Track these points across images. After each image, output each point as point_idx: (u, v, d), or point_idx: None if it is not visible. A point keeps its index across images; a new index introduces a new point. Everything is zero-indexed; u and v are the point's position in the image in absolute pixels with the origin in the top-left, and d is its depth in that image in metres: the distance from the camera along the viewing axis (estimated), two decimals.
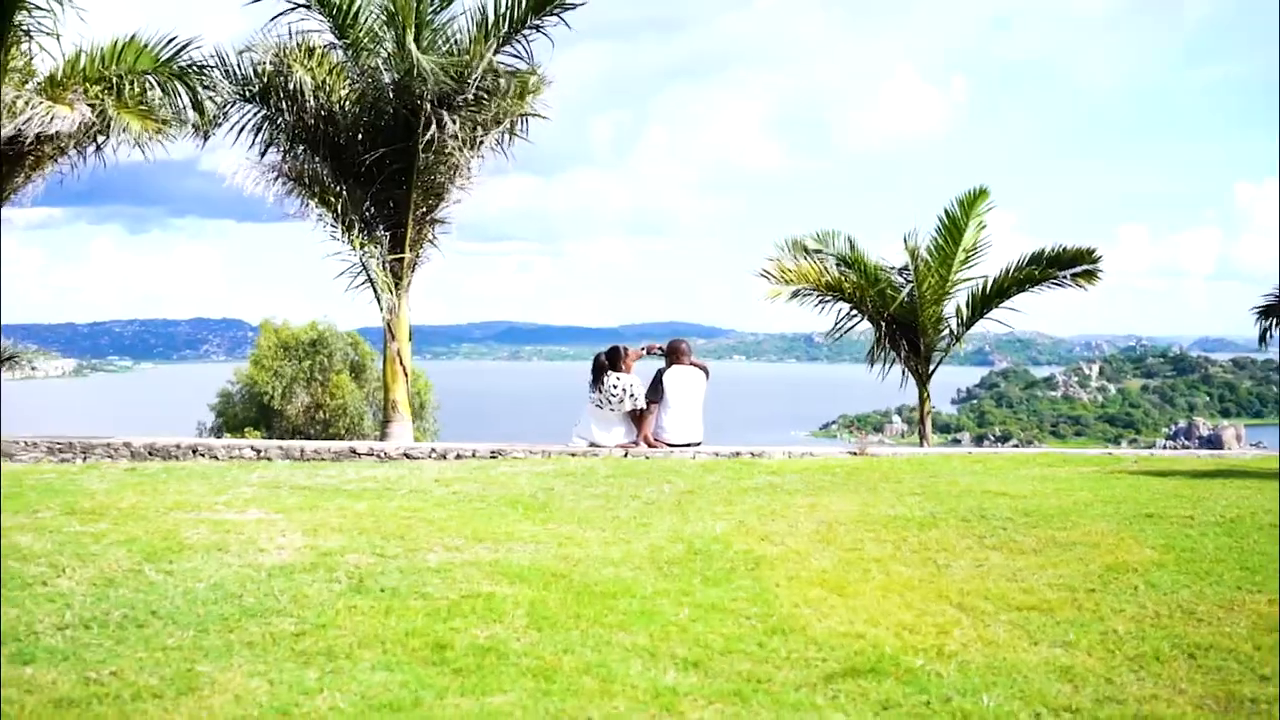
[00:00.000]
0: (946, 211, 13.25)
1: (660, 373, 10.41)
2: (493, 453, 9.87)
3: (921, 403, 13.69)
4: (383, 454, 9.94)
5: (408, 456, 9.91)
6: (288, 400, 37.22)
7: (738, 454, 9.77)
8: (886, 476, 8.14)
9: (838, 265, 13.41)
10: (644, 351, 10.68)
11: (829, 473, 8.40)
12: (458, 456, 9.87)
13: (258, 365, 36.87)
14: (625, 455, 9.66)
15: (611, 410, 10.13)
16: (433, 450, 10.06)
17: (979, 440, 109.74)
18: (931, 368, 13.73)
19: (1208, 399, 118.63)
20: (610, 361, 10.32)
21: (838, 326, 13.56)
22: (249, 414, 36.86)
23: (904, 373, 13.87)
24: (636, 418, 10.20)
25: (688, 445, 10.14)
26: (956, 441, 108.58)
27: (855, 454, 9.89)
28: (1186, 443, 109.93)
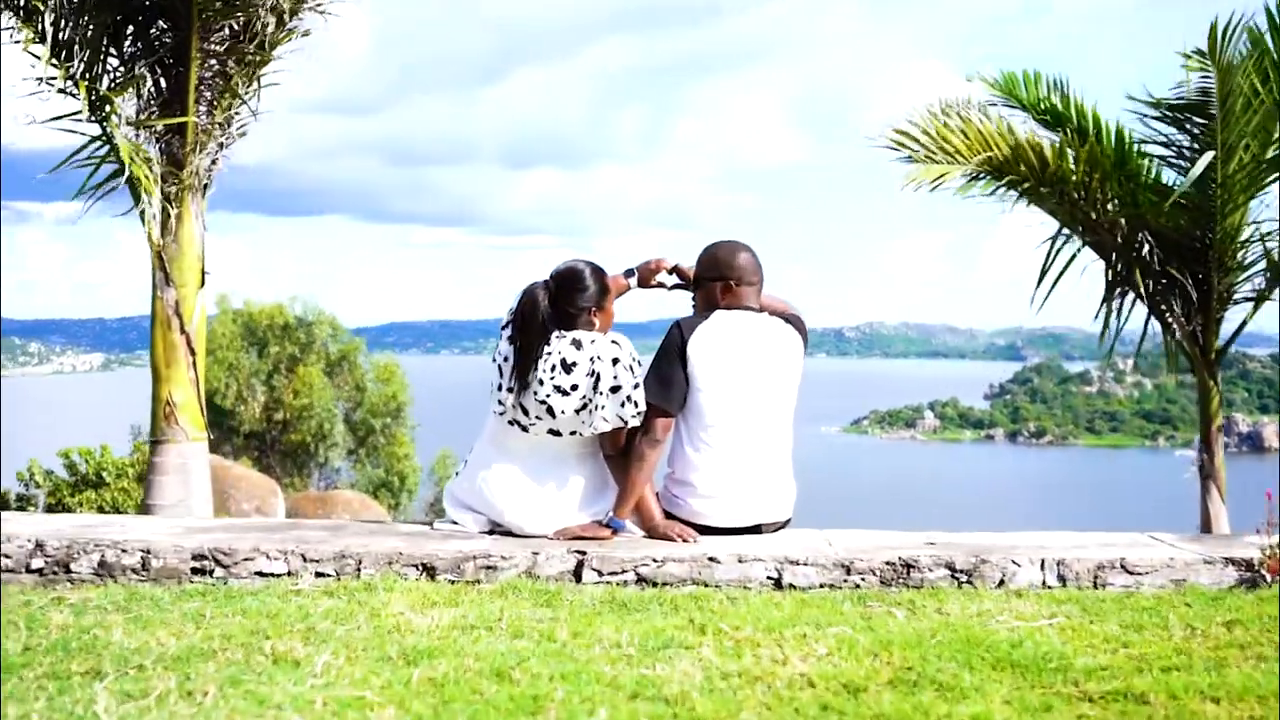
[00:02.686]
0: None
1: (679, 330, 3.69)
2: (289, 571, 3.30)
3: (1204, 406, 6.72)
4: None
5: (120, 576, 3.28)
6: (243, 400, 31.75)
7: (891, 571, 3.08)
8: None
9: (1039, 121, 6.51)
10: (654, 277, 3.90)
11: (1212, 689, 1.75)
12: (218, 563, 3.27)
13: (211, 358, 31.18)
14: (578, 577, 2.99)
15: (553, 432, 3.48)
16: (178, 546, 3.44)
17: (1013, 436, 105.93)
18: (1223, 339, 6.77)
19: (1246, 394, 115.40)
20: (557, 300, 3.61)
21: (1107, 302, 6.43)
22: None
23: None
24: (622, 450, 3.52)
25: (756, 529, 3.60)
26: (990, 438, 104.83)
27: (1257, 572, 3.17)
28: (1225, 439, 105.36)
